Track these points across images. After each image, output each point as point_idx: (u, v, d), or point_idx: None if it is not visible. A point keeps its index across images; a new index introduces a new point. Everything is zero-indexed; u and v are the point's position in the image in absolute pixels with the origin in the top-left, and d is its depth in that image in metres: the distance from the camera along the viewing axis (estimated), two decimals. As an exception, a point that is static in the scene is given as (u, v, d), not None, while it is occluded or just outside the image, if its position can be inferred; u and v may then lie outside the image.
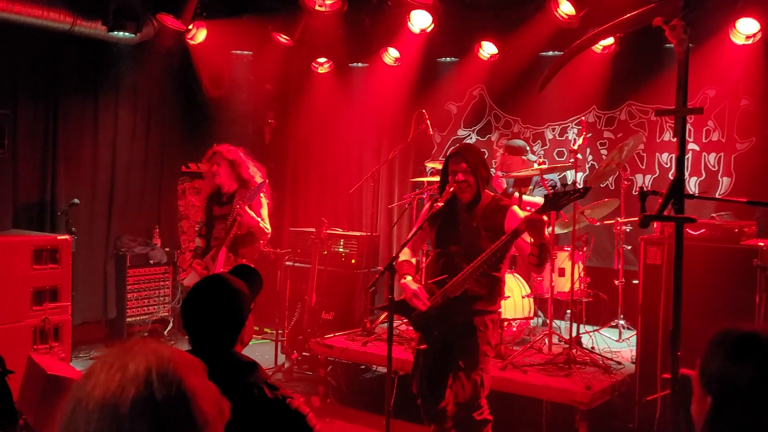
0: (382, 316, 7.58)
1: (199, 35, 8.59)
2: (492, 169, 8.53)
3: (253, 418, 2.70)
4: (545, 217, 4.41)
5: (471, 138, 8.99)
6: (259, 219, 6.30)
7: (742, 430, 1.77)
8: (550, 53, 8.08)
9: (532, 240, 4.51)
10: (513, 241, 4.56)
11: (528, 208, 7.07)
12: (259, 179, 6.43)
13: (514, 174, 7.27)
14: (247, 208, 6.17)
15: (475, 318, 4.79)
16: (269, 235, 6.53)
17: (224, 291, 2.87)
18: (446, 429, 4.95)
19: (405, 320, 7.36)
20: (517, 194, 6.85)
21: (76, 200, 7.99)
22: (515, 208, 4.86)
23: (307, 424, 2.77)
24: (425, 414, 5.02)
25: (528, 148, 7.83)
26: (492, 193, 4.94)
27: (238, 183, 6.47)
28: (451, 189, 4.79)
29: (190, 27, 8.38)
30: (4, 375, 3.18)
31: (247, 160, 6.56)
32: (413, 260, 5.07)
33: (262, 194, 6.38)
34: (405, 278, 4.88)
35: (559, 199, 4.38)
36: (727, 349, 1.83)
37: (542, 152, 8.52)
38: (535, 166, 7.37)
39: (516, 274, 7.01)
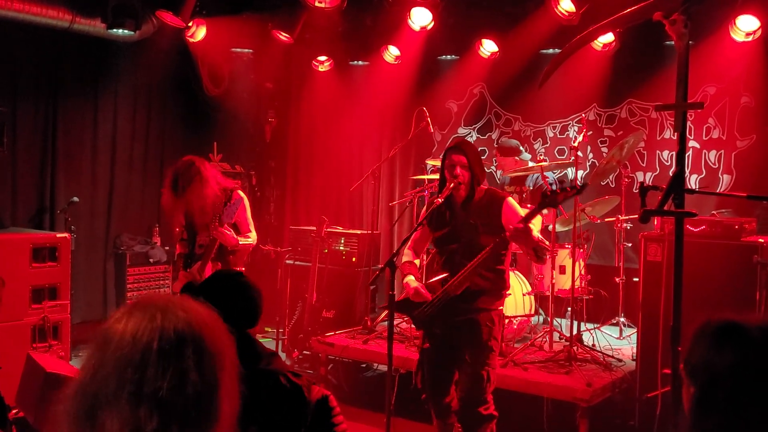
0: (383, 314, 7.58)
1: (198, 33, 8.57)
2: (492, 168, 8.58)
3: (279, 403, 2.77)
4: (532, 225, 4.50)
5: (471, 136, 8.97)
6: (238, 237, 5.75)
7: (724, 417, 1.77)
8: (551, 51, 8.05)
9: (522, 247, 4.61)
10: (503, 246, 4.67)
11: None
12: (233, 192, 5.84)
13: (509, 173, 7.29)
14: (225, 227, 5.61)
15: (480, 315, 4.80)
16: (255, 244, 6.06)
17: (242, 279, 3.05)
18: (450, 424, 5.03)
19: (406, 318, 7.40)
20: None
21: (76, 198, 7.98)
22: (510, 200, 4.87)
23: (328, 406, 2.84)
24: (432, 408, 5.06)
25: (521, 148, 7.83)
26: (486, 187, 4.94)
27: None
28: (452, 185, 4.79)
29: (190, 24, 8.36)
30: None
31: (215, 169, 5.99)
32: (416, 261, 5.12)
33: (242, 194, 5.88)
34: (407, 278, 4.95)
35: (556, 196, 4.41)
36: (709, 338, 1.84)
37: (543, 150, 8.51)
38: (530, 164, 7.40)
39: (517, 272, 7.00)
